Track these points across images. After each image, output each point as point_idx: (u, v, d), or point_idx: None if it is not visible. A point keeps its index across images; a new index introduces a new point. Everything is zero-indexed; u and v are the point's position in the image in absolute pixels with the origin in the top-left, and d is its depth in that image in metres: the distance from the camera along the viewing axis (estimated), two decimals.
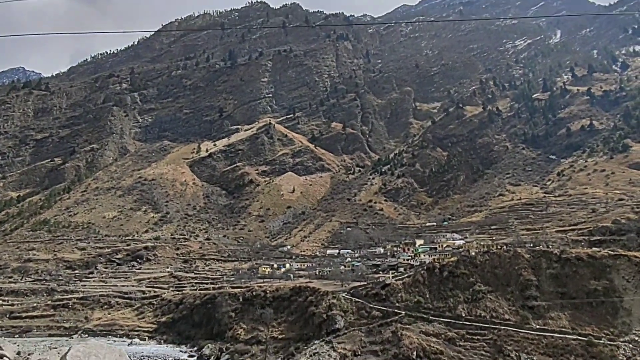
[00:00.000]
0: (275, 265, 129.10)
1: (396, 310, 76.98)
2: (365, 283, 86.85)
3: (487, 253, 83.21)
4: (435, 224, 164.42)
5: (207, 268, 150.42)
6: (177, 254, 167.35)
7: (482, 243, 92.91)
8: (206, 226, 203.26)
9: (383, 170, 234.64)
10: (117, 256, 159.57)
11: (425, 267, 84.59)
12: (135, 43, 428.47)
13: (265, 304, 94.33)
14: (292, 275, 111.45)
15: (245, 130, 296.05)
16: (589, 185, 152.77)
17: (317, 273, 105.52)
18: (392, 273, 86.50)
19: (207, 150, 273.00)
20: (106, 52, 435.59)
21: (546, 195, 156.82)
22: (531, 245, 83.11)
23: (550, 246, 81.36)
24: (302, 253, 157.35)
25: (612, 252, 73.02)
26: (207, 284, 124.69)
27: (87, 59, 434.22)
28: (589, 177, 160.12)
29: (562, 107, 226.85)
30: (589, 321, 66.35)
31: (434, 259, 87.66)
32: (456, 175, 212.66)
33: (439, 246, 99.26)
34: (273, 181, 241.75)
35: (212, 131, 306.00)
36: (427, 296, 79.58)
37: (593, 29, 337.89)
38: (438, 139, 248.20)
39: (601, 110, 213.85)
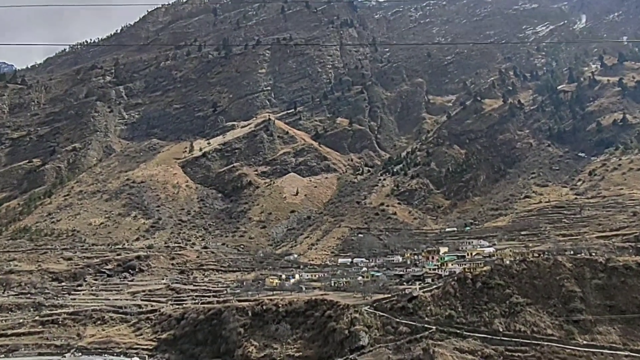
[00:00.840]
0: (283, 276, 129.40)
1: (426, 325, 77.29)
2: (390, 295, 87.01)
3: (523, 262, 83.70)
4: (455, 229, 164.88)
5: (206, 279, 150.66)
6: (172, 264, 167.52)
7: (516, 250, 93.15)
8: (202, 233, 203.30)
9: (395, 170, 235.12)
10: (107, 267, 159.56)
11: (455, 278, 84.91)
12: (119, 31, 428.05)
13: (278, 319, 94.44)
14: (304, 287, 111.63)
15: (242, 127, 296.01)
16: (624, 186, 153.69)
17: (333, 284, 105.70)
18: (419, 284, 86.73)
19: (200, 149, 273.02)
20: (86, 42, 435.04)
21: (578, 196, 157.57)
22: (572, 253, 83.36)
23: (594, 254, 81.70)
24: (311, 262, 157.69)
25: None
26: (209, 296, 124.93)
27: (65, 49, 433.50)
28: (624, 176, 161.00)
29: (590, 100, 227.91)
30: None
31: (464, 269, 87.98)
32: (476, 175, 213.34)
33: (468, 254, 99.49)
34: (274, 183, 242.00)
35: (206, 128, 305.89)
36: (460, 309, 79.96)
37: (621, 13, 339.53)
38: (454, 136, 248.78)
39: (633, 102, 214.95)
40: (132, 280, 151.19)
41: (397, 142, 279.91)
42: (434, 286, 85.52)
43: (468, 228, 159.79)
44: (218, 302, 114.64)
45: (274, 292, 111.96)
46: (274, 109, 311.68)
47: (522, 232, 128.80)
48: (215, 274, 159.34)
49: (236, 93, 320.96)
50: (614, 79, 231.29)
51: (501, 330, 73.62)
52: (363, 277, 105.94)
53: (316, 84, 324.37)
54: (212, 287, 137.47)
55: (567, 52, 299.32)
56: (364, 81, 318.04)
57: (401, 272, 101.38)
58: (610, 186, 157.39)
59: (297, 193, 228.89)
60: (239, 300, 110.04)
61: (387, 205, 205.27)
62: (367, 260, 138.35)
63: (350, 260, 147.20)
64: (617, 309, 71.68)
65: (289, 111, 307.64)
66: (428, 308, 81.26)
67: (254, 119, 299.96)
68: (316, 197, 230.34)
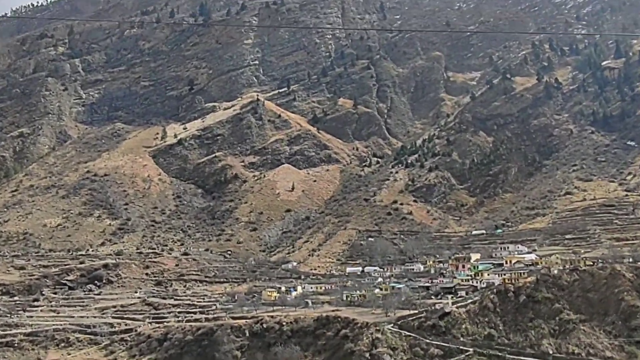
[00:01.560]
0: (282, 288, 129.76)
1: (461, 347, 78.10)
2: (416, 311, 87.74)
3: (574, 271, 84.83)
4: (484, 232, 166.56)
5: (189, 292, 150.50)
6: (146, 274, 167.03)
7: (563, 258, 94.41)
8: (181, 237, 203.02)
9: (409, 161, 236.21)
10: (69, 277, 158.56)
11: (495, 290, 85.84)
12: None
13: (282, 339, 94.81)
14: (310, 302, 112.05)
15: (225, 109, 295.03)
16: None
17: (345, 298, 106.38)
18: (451, 298, 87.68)
19: (175, 136, 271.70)
20: (33, 5, 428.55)
21: (628, 193, 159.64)
22: (631, 260, 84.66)
23: None
24: (314, 271, 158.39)
25: None
26: (195, 313, 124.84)
27: (6, 14, 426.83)
28: None
29: None
30: None
31: (504, 280, 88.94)
32: (506, 168, 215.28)
33: (506, 262, 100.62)
34: (265, 176, 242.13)
35: (180, 110, 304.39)
36: (501, 328, 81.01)
37: None
38: (480, 120, 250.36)
39: None
40: (99, 294, 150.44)
41: (411, 128, 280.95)
42: (469, 300, 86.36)
43: (500, 231, 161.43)
44: (207, 319, 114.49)
45: (274, 308, 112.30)
46: (262, 88, 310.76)
47: (567, 236, 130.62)
48: (198, 286, 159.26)
49: (217, 68, 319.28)
50: None
51: (551, 352, 74.66)
52: (381, 289, 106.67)
53: (313, 57, 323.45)
54: (198, 301, 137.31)
55: (612, 22, 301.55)
56: (371, 55, 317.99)
57: (427, 284, 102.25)
58: None
59: (292, 188, 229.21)
60: (233, 318, 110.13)
61: (401, 204, 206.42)
62: (382, 270, 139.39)
63: (361, 269, 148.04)
64: None
65: (280, 90, 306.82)
66: (463, 326, 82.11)
67: (239, 99, 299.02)
68: (315, 193, 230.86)
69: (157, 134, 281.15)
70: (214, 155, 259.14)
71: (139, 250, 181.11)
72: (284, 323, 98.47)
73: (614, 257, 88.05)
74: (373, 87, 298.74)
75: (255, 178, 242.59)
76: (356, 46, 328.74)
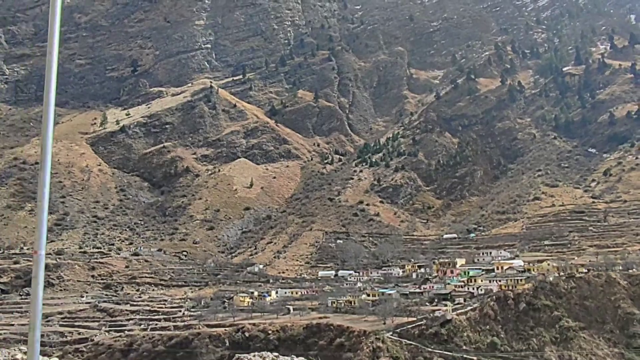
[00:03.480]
0: (256, 294, 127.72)
1: (465, 356, 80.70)
2: (415, 319, 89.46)
3: (571, 279, 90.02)
4: (455, 236, 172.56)
5: (145, 297, 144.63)
6: (92, 276, 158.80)
7: (555, 265, 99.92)
8: (129, 235, 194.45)
9: (373, 160, 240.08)
10: (2, 280, 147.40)
11: (494, 297, 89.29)
12: None
13: (268, 348, 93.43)
14: (291, 308, 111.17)
15: (173, 95, 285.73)
16: None
17: (331, 305, 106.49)
18: (450, 305, 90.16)
19: (117, 122, 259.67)
20: None
21: (595, 200, 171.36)
22: (621, 268, 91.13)
23: None
24: (283, 275, 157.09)
25: None
26: (160, 320, 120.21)
27: None
28: None
29: (600, 86, 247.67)
30: None
31: (502, 286, 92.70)
32: (472, 171, 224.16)
33: (497, 268, 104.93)
34: (220, 170, 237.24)
35: (122, 94, 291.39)
36: (502, 335, 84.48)
37: None
38: (445, 121, 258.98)
39: None
40: None
41: (374, 125, 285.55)
42: (469, 307, 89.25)
43: (473, 235, 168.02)
44: (178, 327, 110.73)
45: (253, 315, 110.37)
46: (215, 74, 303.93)
47: (545, 242, 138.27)
48: (154, 290, 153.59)
49: (164, 49, 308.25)
50: (626, 63, 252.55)
51: (554, 359, 78.86)
52: (368, 295, 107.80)
53: (271, 44, 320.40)
54: (159, 307, 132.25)
55: (570, 28, 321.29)
56: (332, 45, 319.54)
57: (417, 290, 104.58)
58: (630, 189, 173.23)
59: (251, 185, 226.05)
60: (208, 325, 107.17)
61: (367, 204, 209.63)
62: (357, 274, 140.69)
63: (334, 273, 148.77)
64: None
65: (235, 78, 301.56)
66: (465, 334, 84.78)
67: (189, 85, 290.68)
68: (276, 190, 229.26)
69: (95, 119, 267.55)
70: (162, 145, 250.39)
71: (82, 250, 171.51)
72: (270, 331, 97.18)
73: (605, 264, 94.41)
74: (334, 80, 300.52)
75: (209, 172, 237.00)
76: (316, 35, 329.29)
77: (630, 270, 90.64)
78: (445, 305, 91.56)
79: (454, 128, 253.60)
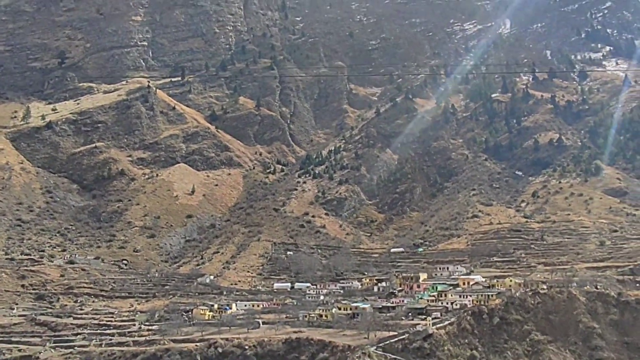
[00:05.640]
0: (216, 306, 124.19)
1: None
2: (396, 333, 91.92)
3: (536, 295, 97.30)
4: (403, 250, 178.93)
5: (89, 309, 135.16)
6: (23, 286, 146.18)
7: (518, 281, 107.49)
8: (60, 241, 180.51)
9: (317, 172, 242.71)
10: None
11: (470, 312, 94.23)
12: None
13: None
14: (260, 322, 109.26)
15: (106, 92, 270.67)
16: (570, 211, 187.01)
17: (303, 318, 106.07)
18: (427, 319, 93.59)
19: (43, 117, 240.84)
20: None
21: (527, 220, 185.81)
22: (576, 285, 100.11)
23: (599, 286, 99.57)
24: (235, 286, 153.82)
25: None
26: (113, 335, 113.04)
27: None
28: (567, 201, 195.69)
29: (525, 114, 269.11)
30: None
31: (475, 301, 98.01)
32: (412, 187, 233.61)
33: (463, 283, 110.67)
34: (158, 175, 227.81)
35: (47, 87, 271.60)
36: (480, 349, 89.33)
37: (544, 25, 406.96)
38: (385, 137, 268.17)
39: (565, 123, 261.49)
40: None
41: (314, 137, 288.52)
42: (447, 322, 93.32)
43: (421, 250, 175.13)
44: (138, 342, 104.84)
45: (220, 329, 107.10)
46: (151, 74, 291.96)
47: (495, 259, 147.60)
48: (94, 301, 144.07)
49: (96, 43, 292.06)
50: (547, 95, 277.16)
51: None
52: (340, 308, 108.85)
53: (212, 47, 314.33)
54: (107, 320, 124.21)
55: (496, 57, 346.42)
56: (274, 54, 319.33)
57: (392, 304, 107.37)
58: (557, 211, 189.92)
59: (192, 192, 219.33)
60: (174, 341, 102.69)
61: (313, 216, 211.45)
62: (315, 286, 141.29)
63: (290, 285, 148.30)
64: (634, 346, 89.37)
65: (173, 79, 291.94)
66: (446, 347, 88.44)
67: (124, 83, 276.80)
68: (218, 198, 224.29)
69: (16, 112, 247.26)
70: (93, 145, 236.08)
71: (9, 257, 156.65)
72: (247, 347, 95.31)
73: (563, 281, 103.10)
74: (276, 89, 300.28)
75: (146, 176, 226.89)
76: (258, 43, 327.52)
77: (584, 288, 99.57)
78: (424, 319, 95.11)
79: (393, 145, 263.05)
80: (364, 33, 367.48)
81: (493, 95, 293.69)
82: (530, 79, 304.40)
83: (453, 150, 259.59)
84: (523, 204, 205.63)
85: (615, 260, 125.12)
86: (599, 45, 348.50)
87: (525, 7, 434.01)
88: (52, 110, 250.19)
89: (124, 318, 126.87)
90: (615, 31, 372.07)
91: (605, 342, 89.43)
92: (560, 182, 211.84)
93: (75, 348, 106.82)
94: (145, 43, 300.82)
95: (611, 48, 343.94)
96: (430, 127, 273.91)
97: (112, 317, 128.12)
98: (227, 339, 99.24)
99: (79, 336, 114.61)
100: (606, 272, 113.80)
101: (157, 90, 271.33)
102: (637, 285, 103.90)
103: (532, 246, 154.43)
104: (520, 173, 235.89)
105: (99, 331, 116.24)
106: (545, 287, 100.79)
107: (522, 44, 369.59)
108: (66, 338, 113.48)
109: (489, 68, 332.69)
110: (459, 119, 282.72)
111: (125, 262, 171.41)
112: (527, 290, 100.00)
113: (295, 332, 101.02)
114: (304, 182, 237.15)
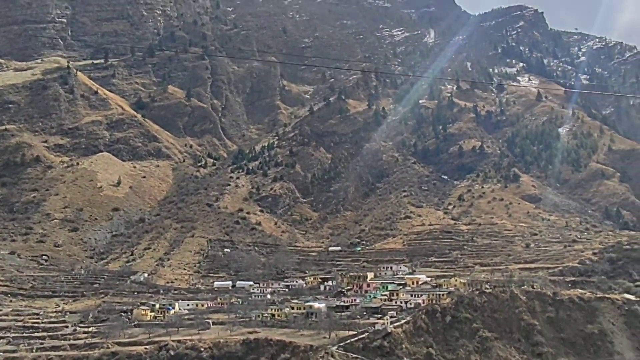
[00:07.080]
0: (157, 306, 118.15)
1: None
2: (355, 332, 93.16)
3: (482, 294, 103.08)
4: (340, 249, 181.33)
5: (8, 310, 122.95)
6: None
7: (464, 281, 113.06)
8: None
9: (250, 167, 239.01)
10: None
11: (424, 311, 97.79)
12: None
13: None
14: (210, 322, 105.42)
15: (17, 69, 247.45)
16: (493, 215, 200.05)
17: (255, 318, 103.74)
18: (385, 318, 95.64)
19: None
20: None
21: (456, 222, 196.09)
22: (517, 285, 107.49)
23: (535, 286, 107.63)
24: (172, 285, 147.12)
25: (598, 295, 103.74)
26: (43, 338, 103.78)
27: None
28: (490, 205, 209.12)
29: (450, 121, 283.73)
30: None
31: (427, 301, 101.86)
32: (345, 187, 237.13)
33: (412, 282, 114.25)
34: (79, 164, 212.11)
35: None
36: (435, 346, 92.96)
37: (465, 38, 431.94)
38: (318, 135, 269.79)
39: (485, 132, 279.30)
40: None
41: (247, 132, 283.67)
42: (403, 321, 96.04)
43: (359, 249, 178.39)
44: (76, 346, 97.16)
45: (168, 330, 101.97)
46: (70, 54, 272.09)
47: (433, 259, 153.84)
48: (12, 301, 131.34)
49: (6, 15, 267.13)
50: (469, 104, 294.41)
51: None
52: (292, 308, 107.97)
53: (139, 31, 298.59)
54: (33, 322, 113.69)
55: (422, 65, 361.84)
56: (205, 44, 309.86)
57: (345, 303, 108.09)
58: (481, 214, 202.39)
59: (118, 183, 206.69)
60: (119, 344, 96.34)
61: (248, 213, 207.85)
62: (258, 285, 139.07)
63: (231, 283, 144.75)
64: (568, 341, 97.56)
65: (96, 61, 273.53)
66: (404, 345, 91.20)
67: (39, 62, 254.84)
68: (147, 191, 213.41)
69: None
70: (3, 128, 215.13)
71: None
72: (202, 349, 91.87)
73: (504, 281, 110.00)
74: (208, 80, 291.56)
75: (65, 165, 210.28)
76: (189, 30, 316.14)
77: (523, 287, 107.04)
78: (380, 318, 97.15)
79: (326, 144, 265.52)
80: (297, 30, 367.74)
81: (420, 101, 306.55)
82: (455, 87, 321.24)
83: (384, 152, 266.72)
84: (450, 207, 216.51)
85: (545, 261, 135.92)
86: (514, 61, 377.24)
87: (447, 18, 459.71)
88: None
89: (52, 319, 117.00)
90: (527, 49, 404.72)
91: (544, 338, 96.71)
92: (483, 187, 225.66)
93: (1, 353, 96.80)
94: (64, 20, 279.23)
95: (524, 64, 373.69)
96: (362, 128, 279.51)
97: (38, 318, 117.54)
98: (178, 341, 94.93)
99: (1, 340, 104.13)
100: (538, 272, 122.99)
101: (78, 72, 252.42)
102: (569, 285, 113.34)
103: (465, 247, 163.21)
104: (446, 177, 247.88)
105: (25, 334, 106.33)
106: (489, 286, 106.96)
107: (445, 55, 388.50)
108: None
109: (415, 74, 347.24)
110: (389, 122, 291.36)
111: (45, 257, 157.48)
112: (474, 289, 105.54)
113: (250, 332, 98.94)
114: (237, 178, 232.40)
